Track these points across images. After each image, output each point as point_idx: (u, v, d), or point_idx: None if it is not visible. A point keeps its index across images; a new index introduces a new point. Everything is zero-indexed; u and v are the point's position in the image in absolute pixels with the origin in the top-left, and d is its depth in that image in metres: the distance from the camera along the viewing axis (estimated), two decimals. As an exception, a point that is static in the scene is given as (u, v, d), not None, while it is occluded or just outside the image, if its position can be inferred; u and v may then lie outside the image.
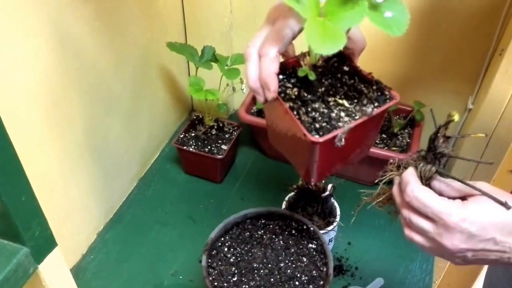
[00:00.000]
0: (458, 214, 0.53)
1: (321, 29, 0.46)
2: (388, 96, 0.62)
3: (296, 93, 0.61)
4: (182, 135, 1.09)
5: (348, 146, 0.60)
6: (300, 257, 0.81)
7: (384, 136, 1.08)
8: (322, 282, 0.77)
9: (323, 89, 0.61)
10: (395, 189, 0.61)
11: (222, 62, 1.03)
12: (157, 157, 1.18)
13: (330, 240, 0.90)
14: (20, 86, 0.71)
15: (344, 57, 0.64)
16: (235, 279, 0.77)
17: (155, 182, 1.11)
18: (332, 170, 0.71)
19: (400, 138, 1.07)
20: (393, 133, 1.08)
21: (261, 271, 0.78)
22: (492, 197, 0.54)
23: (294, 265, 0.79)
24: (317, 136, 0.57)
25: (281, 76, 0.62)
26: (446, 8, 0.97)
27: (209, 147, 1.08)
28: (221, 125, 1.13)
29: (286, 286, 0.76)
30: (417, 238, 0.57)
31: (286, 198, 0.93)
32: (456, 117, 0.58)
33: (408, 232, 0.58)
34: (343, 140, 0.57)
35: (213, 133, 1.12)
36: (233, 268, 0.79)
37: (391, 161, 0.63)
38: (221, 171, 1.09)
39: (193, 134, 1.11)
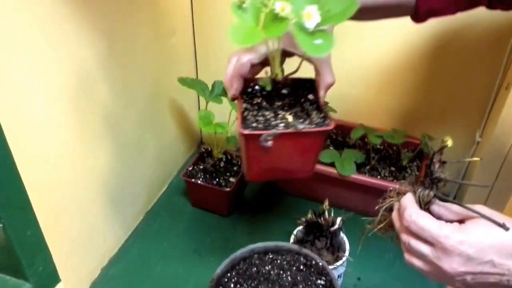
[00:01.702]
0: (455, 237, 0.53)
1: (246, 30, 0.59)
2: (325, 124, 0.67)
3: (259, 101, 0.71)
4: (191, 168, 1.09)
5: (280, 155, 0.69)
6: (308, 293, 0.79)
7: (393, 169, 1.07)
8: (331, 320, 0.75)
9: (280, 103, 0.71)
10: (394, 215, 0.62)
11: (232, 96, 1.03)
12: (165, 189, 1.18)
13: (339, 276, 0.88)
14: (30, 118, 0.71)
15: (314, 88, 0.73)
16: (242, 316, 0.75)
17: (162, 215, 1.10)
18: (268, 174, 0.77)
19: (409, 171, 1.06)
20: (402, 166, 1.07)
21: (269, 308, 0.76)
22: (490, 219, 0.54)
23: (302, 302, 0.77)
24: (245, 130, 0.65)
25: (257, 87, 0.73)
26: (452, 43, 0.98)
27: (217, 179, 1.07)
28: (229, 157, 1.13)
29: (295, 324, 0.74)
30: (417, 262, 0.58)
31: (294, 232, 0.92)
32: (449, 143, 0.60)
33: (408, 256, 0.59)
34: (269, 142, 0.64)
35: (222, 165, 1.11)
36: (240, 305, 0.77)
37: (391, 188, 0.65)
38: (228, 204, 1.08)
39: (201, 167, 1.10)
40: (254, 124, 0.67)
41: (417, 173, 1.05)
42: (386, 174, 1.06)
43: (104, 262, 0.99)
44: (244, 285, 0.80)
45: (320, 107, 0.70)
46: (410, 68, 1.04)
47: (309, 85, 0.73)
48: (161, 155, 1.13)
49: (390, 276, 0.96)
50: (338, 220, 0.89)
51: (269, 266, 0.83)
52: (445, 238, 0.54)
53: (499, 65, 0.97)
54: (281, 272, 0.82)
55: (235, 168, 1.10)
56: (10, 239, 0.43)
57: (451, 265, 0.54)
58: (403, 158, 1.07)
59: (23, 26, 0.65)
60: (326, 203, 0.90)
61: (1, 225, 0.43)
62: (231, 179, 1.07)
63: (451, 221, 0.57)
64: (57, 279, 0.50)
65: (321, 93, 0.71)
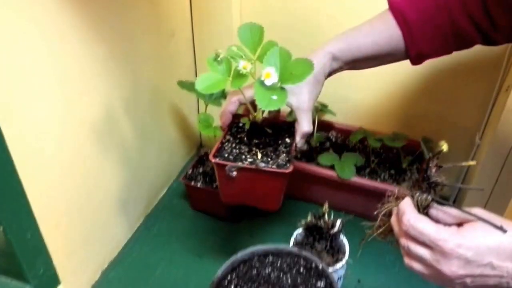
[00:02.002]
0: (454, 240, 0.54)
1: (211, 80, 0.70)
2: (285, 167, 0.75)
3: (242, 136, 0.82)
4: (190, 171, 1.09)
5: (244, 186, 0.79)
6: (308, 296, 0.79)
7: (392, 172, 1.07)
8: (331, 323, 0.75)
9: (258, 141, 0.80)
10: (393, 219, 0.62)
11: (231, 99, 1.04)
12: (165, 193, 1.18)
13: (339, 278, 0.89)
14: (31, 124, 0.71)
15: (292, 133, 0.81)
16: (242, 319, 0.75)
17: (162, 219, 1.10)
18: (238, 200, 0.86)
19: (409, 174, 1.06)
20: (402, 169, 1.07)
21: (269, 311, 0.76)
22: (488, 222, 0.55)
23: (302, 305, 0.77)
24: (215, 158, 0.77)
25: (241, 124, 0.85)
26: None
27: (216, 183, 1.07)
28: (228, 161, 1.13)
29: (295, 326, 0.74)
30: (416, 266, 0.58)
31: (294, 235, 0.92)
32: (444, 147, 0.61)
33: (407, 260, 0.60)
34: (233, 173, 0.75)
35: (221, 169, 1.11)
36: (240, 308, 0.77)
37: (389, 193, 0.65)
38: (228, 207, 1.08)
39: (201, 170, 1.10)
40: (227, 155, 0.78)
41: (417, 176, 1.05)
42: (386, 177, 1.06)
43: (104, 265, 0.99)
44: (244, 287, 0.80)
45: (290, 152, 0.78)
46: (410, 71, 1.04)
47: (293, 129, 0.81)
48: (161, 158, 1.14)
49: (390, 278, 0.96)
50: (338, 222, 0.89)
51: (269, 269, 0.83)
52: (444, 241, 0.54)
53: (499, 68, 0.97)
54: (281, 274, 0.82)
55: (235, 171, 1.10)
56: (10, 242, 0.43)
57: (450, 268, 0.54)
58: (403, 161, 1.08)
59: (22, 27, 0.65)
60: (326, 205, 0.90)
61: (1, 228, 0.43)
62: (231, 182, 1.07)
63: (450, 225, 0.57)
64: (57, 282, 0.50)
65: (297, 139, 0.78)
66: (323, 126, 1.16)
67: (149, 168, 1.09)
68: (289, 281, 0.81)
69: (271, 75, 0.67)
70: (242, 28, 0.73)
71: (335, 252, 0.90)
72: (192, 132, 1.26)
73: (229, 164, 0.75)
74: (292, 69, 0.68)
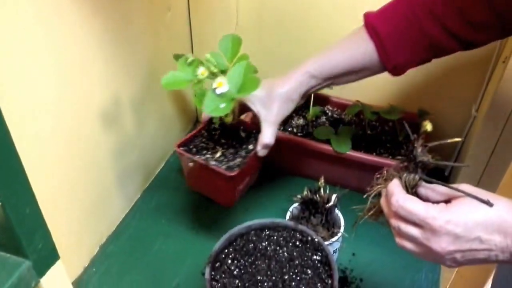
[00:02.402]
0: (442, 217, 0.55)
1: (175, 79, 0.78)
2: (231, 170, 0.82)
3: (216, 133, 0.91)
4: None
5: (201, 178, 0.91)
6: (304, 269, 0.80)
7: (389, 145, 1.08)
8: (327, 295, 0.76)
9: (224, 141, 0.88)
10: (382, 201, 0.63)
11: (228, 73, 1.03)
12: (162, 167, 1.18)
13: (334, 251, 0.90)
14: (29, 101, 0.71)
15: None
16: (239, 292, 0.76)
17: (159, 193, 1.11)
18: (200, 188, 0.97)
19: (405, 147, 1.07)
20: (399, 142, 1.08)
21: (265, 283, 0.77)
22: (475, 197, 0.55)
23: (298, 278, 0.78)
24: (179, 148, 0.87)
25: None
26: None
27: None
28: (225, 135, 1.13)
29: (291, 298, 0.75)
30: (408, 245, 0.59)
31: (290, 209, 0.93)
32: (428, 127, 0.63)
33: (399, 240, 0.61)
34: (190, 164, 0.85)
35: (217, 143, 1.11)
36: (237, 281, 0.78)
37: (378, 175, 0.67)
38: (224, 182, 1.09)
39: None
40: (192, 147, 0.87)
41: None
42: (382, 151, 1.06)
43: (103, 240, 0.99)
44: (241, 261, 0.81)
45: (246, 158, 0.84)
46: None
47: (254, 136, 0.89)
48: (158, 133, 1.13)
49: (385, 251, 0.97)
50: (334, 197, 0.90)
51: (266, 242, 0.84)
52: (432, 219, 0.55)
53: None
54: (278, 248, 0.83)
55: (231, 145, 1.10)
56: (9, 217, 0.43)
57: (440, 244, 0.55)
58: (399, 134, 1.08)
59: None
60: (322, 180, 0.91)
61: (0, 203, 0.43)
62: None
63: (438, 202, 0.58)
64: (56, 257, 0.50)
65: (257, 148, 0.82)
66: (319, 100, 1.15)
67: (146, 143, 1.09)
68: (286, 254, 0.82)
69: (222, 85, 0.72)
70: (224, 38, 0.83)
71: (331, 226, 0.91)
72: (188, 107, 1.26)
73: (186, 155, 0.84)
74: (246, 83, 0.75)
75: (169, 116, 1.18)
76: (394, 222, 0.60)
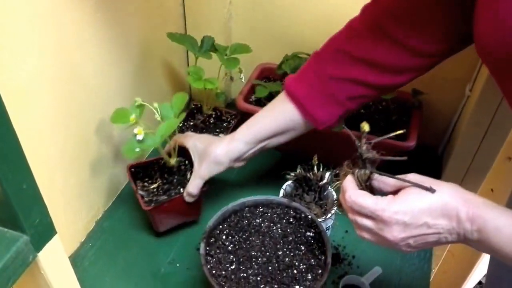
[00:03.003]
0: (390, 208, 0.59)
1: (122, 115, 0.89)
2: (149, 203, 0.90)
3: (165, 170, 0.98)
4: (181, 124, 1.09)
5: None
6: (298, 245, 0.81)
7: (382, 124, 1.08)
8: (320, 271, 0.77)
9: (166, 176, 0.96)
10: (340, 197, 0.68)
11: (221, 52, 1.03)
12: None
13: (327, 228, 0.91)
14: (23, 76, 0.71)
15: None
16: (233, 267, 0.78)
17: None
18: None
19: (399, 126, 1.07)
20: (392, 121, 1.08)
21: (259, 259, 0.79)
22: (417, 185, 0.60)
23: (292, 254, 0.80)
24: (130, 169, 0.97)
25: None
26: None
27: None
28: (219, 114, 1.13)
29: (284, 274, 0.77)
30: (366, 235, 0.64)
31: (284, 187, 0.94)
32: (366, 128, 0.67)
33: (358, 231, 0.65)
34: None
35: (211, 122, 1.12)
36: (231, 256, 0.79)
37: (337, 171, 0.72)
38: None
39: (191, 123, 1.11)
40: (142, 171, 0.97)
41: (406, 128, 1.06)
42: (375, 130, 1.06)
43: (99, 215, 1.00)
44: (236, 236, 0.82)
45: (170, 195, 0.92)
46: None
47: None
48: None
49: (377, 228, 0.98)
50: (327, 175, 0.91)
51: (260, 219, 0.85)
52: (382, 211, 0.60)
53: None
54: (272, 224, 0.84)
55: (224, 124, 1.11)
56: (6, 192, 0.43)
57: (392, 233, 0.60)
58: (393, 113, 1.08)
59: None
60: (315, 158, 0.91)
61: (-4, 179, 0.43)
62: (221, 135, 1.08)
63: (390, 193, 0.63)
64: (53, 231, 0.51)
65: (184, 194, 0.90)
66: (314, 79, 1.15)
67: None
68: (279, 230, 0.83)
69: (141, 133, 0.85)
70: (175, 96, 0.92)
71: (324, 204, 0.92)
72: (182, 86, 1.26)
73: (128, 177, 0.94)
74: (163, 130, 0.86)
75: (162, 95, 1.17)
76: (351, 216, 0.65)
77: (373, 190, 0.67)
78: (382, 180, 0.66)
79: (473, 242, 0.58)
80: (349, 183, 0.66)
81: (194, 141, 0.92)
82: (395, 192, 0.63)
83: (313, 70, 0.82)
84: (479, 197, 0.59)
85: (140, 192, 0.92)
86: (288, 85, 0.84)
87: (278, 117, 0.86)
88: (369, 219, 0.62)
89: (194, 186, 0.88)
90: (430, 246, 0.62)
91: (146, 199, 0.91)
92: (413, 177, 0.62)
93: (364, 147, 0.67)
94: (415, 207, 0.59)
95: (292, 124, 0.85)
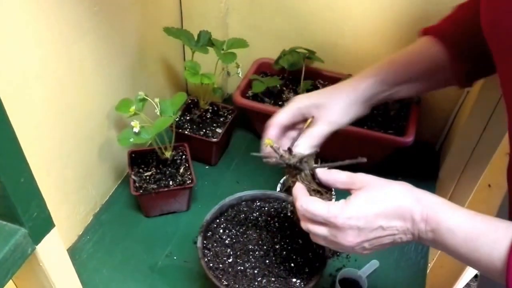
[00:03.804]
0: (343, 214, 0.59)
1: (125, 104, 0.94)
2: (138, 191, 0.93)
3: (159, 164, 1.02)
4: (178, 119, 1.10)
5: None
6: (295, 239, 0.82)
7: (380, 119, 1.08)
8: (318, 264, 0.78)
9: (161, 166, 0.99)
10: (294, 207, 0.66)
11: (218, 47, 1.03)
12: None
13: (324, 223, 0.91)
14: (21, 69, 0.71)
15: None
16: (230, 260, 0.78)
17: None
18: None
19: (397, 121, 1.07)
20: (390, 116, 1.08)
21: (256, 252, 0.79)
22: (346, 163, 0.64)
23: (289, 247, 0.80)
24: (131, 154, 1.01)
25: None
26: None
27: (204, 130, 1.08)
28: (216, 108, 1.13)
29: (282, 267, 0.77)
30: (321, 241, 0.64)
31: (281, 181, 0.94)
32: (269, 142, 0.69)
33: (313, 238, 0.65)
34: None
35: (208, 116, 1.12)
36: (229, 250, 0.79)
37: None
38: (216, 154, 1.10)
39: (188, 118, 1.11)
40: (140, 157, 1.00)
41: (405, 123, 1.06)
42: (373, 125, 1.07)
43: (97, 208, 1.01)
44: (233, 230, 0.83)
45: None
46: (399, 17, 1.03)
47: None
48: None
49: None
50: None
51: (257, 213, 0.86)
52: (335, 218, 0.59)
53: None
54: (269, 218, 0.85)
55: (221, 119, 1.11)
56: (4, 186, 0.43)
57: (347, 238, 0.60)
58: (391, 108, 1.09)
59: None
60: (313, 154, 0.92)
61: (-6, 172, 0.43)
62: (218, 130, 1.08)
63: (343, 189, 0.64)
64: (51, 224, 0.51)
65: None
66: (310, 74, 1.15)
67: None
68: (277, 224, 0.84)
69: (136, 126, 0.88)
70: (176, 95, 0.96)
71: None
72: (178, 80, 1.26)
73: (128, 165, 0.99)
74: (158, 124, 0.90)
75: (159, 90, 1.17)
76: (304, 224, 0.64)
77: (327, 188, 0.67)
78: (331, 177, 0.65)
79: (428, 242, 0.59)
80: (299, 189, 0.65)
81: (302, 97, 0.80)
82: (348, 189, 0.63)
83: (463, 12, 0.76)
84: (433, 195, 0.59)
85: (133, 177, 0.95)
86: (436, 28, 0.77)
87: (422, 59, 0.76)
88: (322, 225, 0.61)
89: (318, 133, 0.75)
90: (385, 246, 0.62)
91: (137, 184, 0.95)
92: (362, 178, 0.62)
93: (286, 156, 0.67)
94: (368, 212, 0.58)
95: (435, 69, 0.76)
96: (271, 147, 0.68)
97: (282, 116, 0.77)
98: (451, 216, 0.56)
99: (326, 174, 0.66)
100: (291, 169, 0.68)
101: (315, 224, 0.62)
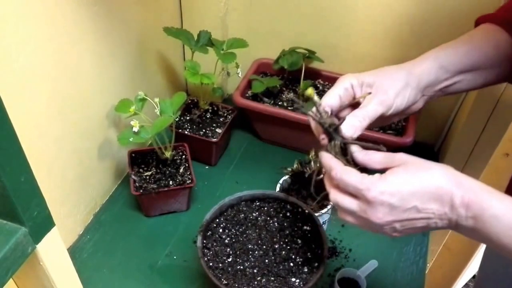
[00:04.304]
0: (376, 188, 0.54)
1: (125, 104, 0.94)
2: (138, 191, 0.94)
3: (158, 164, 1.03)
4: (178, 119, 1.10)
5: None
6: (294, 239, 0.82)
7: (378, 120, 1.08)
8: (317, 264, 0.78)
9: (161, 166, 1.00)
10: (325, 179, 0.62)
11: (218, 47, 1.04)
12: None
13: (323, 223, 0.92)
14: (21, 69, 0.71)
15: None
16: (230, 259, 0.78)
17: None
18: None
19: (396, 121, 1.08)
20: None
21: (256, 252, 0.79)
22: (374, 147, 0.59)
23: (288, 247, 0.80)
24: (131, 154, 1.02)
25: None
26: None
27: (204, 130, 1.08)
28: (215, 109, 1.13)
29: (281, 267, 0.77)
30: (348, 218, 0.59)
31: (280, 181, 0.94)
32: (310, 92, 0.62)
33: (340, 214, 0.60)
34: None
35: (208, 116, 1.12)
36: (228, 249, 0.80)
37: (307, 160, 0.69)
38: (215, 154, 1.10)
39: (188, 118, 1.11)
40: (140, 156, 1.01)
41: (404, 123, 1.06)
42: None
43: (97, 208, 1.01)
44: (232, 230, 0.83)
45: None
46: (399, 17, 1.03)
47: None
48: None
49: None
50: (324, 169, 0.91)
51: (257, 213, 0.86)
52: (367, 190, 0.55)
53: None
54: (268, 218, 0.85)
55: (221, 119, 1.11)
56: (4, 185, 0.43)
57: (377, 214, 0.55)
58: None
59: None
60: (312, 153, 0.92)
61: (-6, 171, 0.43)
62: (218, 130, 1.08)
63: (377, 171, 0.58)
64: (51, 224, 0.51)
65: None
66: (310, 74, 1.16)
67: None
68: (276, 224, 0.84)
69: (136, 125, 0.89)
70: (176, 94, 0.97)
71: (320, 198, 0.92)
72: (178, 80, 1.26)
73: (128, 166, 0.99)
74: (158, 123, 0.90)
75: (158, 90, 1.17)
76: (333, 196, 0.59)
77: (358, 168, 0.61)
78: (368, 157, 0.60)
79: (466, 230, 0.54)
80: (330, 160, 0.60)
81: (349, 76, 0.69)
82: (385, 170, 0.57)
83: None
84: (475, 181, 0.55)
85: (134, 176, 0.96)
86: (500, 15, 0.70)
87: (486, 45, 0.68)
88: (352, 198, 0.57)
89: (369, 113, 0.65)
90: (417, 231, 0.57)
91: (137, 184, 0.95)
92: (400, 156, 0.57)
93: (324, 114, 0.61)
94: (403, 189, 0.54)
95: (502, 56, 0.68)
96: (311, 98, 0.62)
97: (328, 99, 0.67)
98: (496, 203, 0.52)
99: (362, 153, 0.61)
100: (326, 135, 0.63)
101: (346, 196, 0.58)
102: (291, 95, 0.62)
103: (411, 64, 0.69)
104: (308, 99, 0.63)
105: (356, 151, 0.61)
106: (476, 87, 0.71)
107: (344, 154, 0.62)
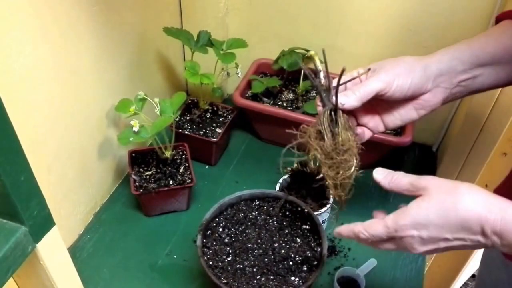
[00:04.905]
0: (402, 227, 0.56)
1: (125, 104, 0.94)
2: (137, 190, 0.94)
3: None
4: (178, 119, 1.10)
5: None
6: (294, 237, 0.82)
7: (377, 119, 1.08)
8: (316, 262, 0.78)
9: (161, 166, 1.00)
10: (361, 242, 0.64)
11: (218, 47, 1.04)
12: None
13: (323, 222, 0.92)
14: (21, 69, 0.71)
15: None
16: (229, 259, 0.78)
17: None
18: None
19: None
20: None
21: (255, 251, 0.80)
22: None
23: (288, 246, 0.81)
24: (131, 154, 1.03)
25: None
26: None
27: (203, 130, 1.09)
28: (215, 109, 1.14)
29: (280, 266, 0.78)
30: (391, 248, 0.61)
31: (280, 181, 0.94)
32: (312, 53, 0.64)
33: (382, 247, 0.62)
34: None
35: (208, 116, 1.12)
36: (228, 248, 0.80)
37: (302, 133, 0.72)
38: (215, 154, 1.10)
39: (188, 118, 1.11)
40: (140, 156, 1.02)
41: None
42: (371, 124, 1.07)
43: (97, 207, 1.01)
44: (232, 229, 0.83)
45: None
46: (398, 16, 1.03)
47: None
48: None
49: (372, 222, 0.99)
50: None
51: (256, 212, 0.86)
52: (395, 232, 0.57)
53: (490, 13, 0.96)
54: (268, 217, 0.85)
55: (221, 119, 1.11)
56: (4, 184, 0.44)
57: (413, 247, 0.57)
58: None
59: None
60: (312, 152, 0.92)
61: (-6, 170, 0.44)
62: (218, 130, 1.08)
63: (403, 192, 0.60)
64: (52, 223, 0.51)
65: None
66: (310, 74, 1.16)
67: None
68: (275, 223, 0.84)
69: (136, 125, 0.90)
70: (176, 94, 0.97)
71: (320, 197, 0.93)
72: (178, 80, 1.26)
73: (128, 165, 0.99)
74: (157, 123, 0.90)
75: (158, 90, 1.17)
76: (377, 248, 0.62)
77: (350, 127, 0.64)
78: (394, 184, 0.61)
79: (506, 250, 0.53)
80: (348, 227, 0.63)
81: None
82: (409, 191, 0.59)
83: None
84: (503, 200, 0.53)
85: (134, 176, 0.96)
86: None
87: (506, 38, 0.66)
88: (388, 242, 0.60)
89: (368, 87, 0.66)
90: (461, 249, 0.57)
91: (137, 183, 0.96)
92: (427, 182, 0.57)
93: (323, 80, 0.63)
94: (429, 223, 0.55)
95: None
96: (313, 60, 0.64)
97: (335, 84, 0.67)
98: None
99: (387, 179, 0.62)
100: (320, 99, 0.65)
101: (383, 243, 0.60)
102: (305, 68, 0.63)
103: (421, 56, 0.69)
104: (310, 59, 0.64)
105: (382, 180, 0.62)
106: (500, 82, 0.69)
107: (335, 124, 0.64)
